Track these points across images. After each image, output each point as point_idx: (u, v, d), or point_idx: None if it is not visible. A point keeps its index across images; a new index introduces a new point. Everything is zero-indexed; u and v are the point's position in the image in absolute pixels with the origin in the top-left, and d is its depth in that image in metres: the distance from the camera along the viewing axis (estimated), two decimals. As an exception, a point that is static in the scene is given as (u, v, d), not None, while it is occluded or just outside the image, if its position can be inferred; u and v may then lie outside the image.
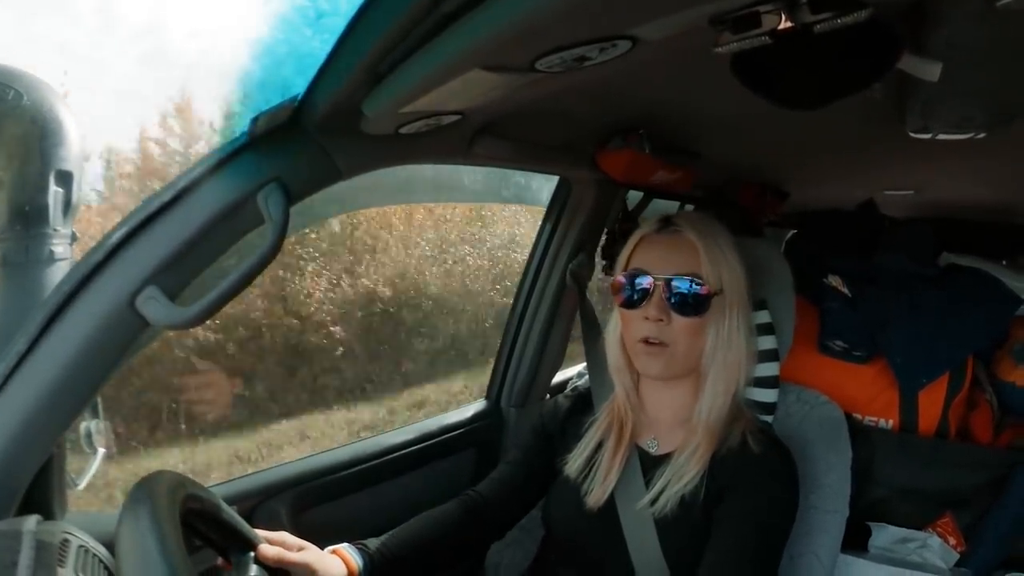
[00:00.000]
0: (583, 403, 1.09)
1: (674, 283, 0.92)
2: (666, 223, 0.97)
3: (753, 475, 0.91)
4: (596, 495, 0.96)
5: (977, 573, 1.23)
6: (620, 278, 0.97)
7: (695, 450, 0.94)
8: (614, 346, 1.01)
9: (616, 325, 1.01)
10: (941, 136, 1.00)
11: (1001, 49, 0.68)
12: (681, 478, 0.92)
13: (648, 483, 0.95)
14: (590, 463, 0.99)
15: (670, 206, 1.80)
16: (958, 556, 1.23)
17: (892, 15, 0.59)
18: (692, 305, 0.92)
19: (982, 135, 0.98)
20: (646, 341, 0.93)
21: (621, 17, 0.51)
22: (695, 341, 0.94)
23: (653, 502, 0.93)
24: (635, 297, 0.95)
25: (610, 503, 0.96)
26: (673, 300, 0.92)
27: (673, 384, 0.98)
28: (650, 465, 0.97)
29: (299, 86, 0.64)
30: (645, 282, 0.94)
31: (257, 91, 0.64)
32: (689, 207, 1.88)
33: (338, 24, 0.55)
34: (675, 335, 0.93)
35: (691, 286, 0.92)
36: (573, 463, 1.01)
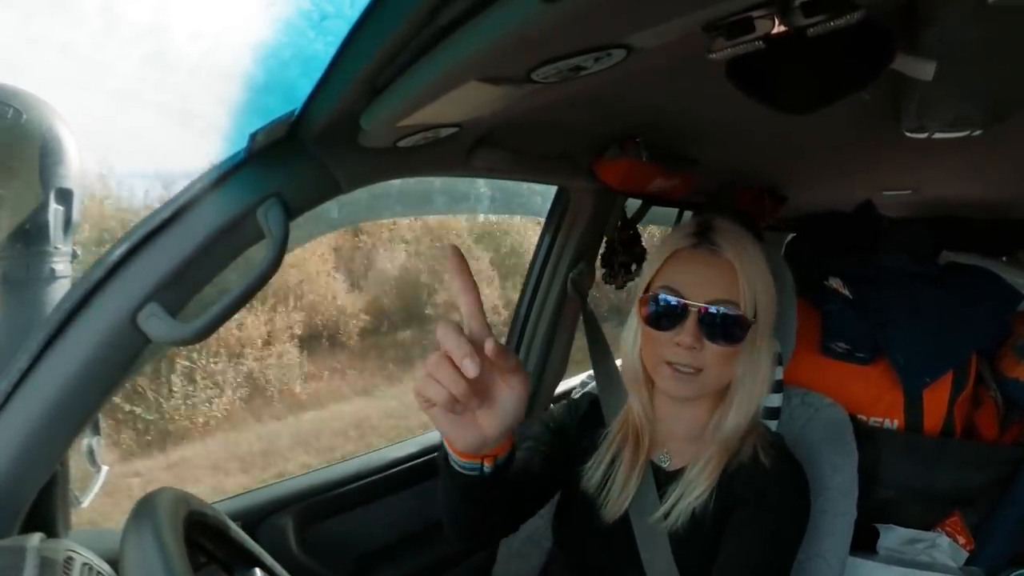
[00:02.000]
0: (597, 412, 1.05)
1: (710, 310, 0.87)
2: (702, 236, 0.91)
3: (764, 488, 0.89)
4: (611, 509, 0.94)
5: (986, 571, 1.22)
6: (649, 296, 0.91)
7: (706, 464, 0.92)
8: (632, 360, 0.96)
9: (636, 338, 0.95)
10: (937, 135, 1.00)
11: (995, 46, 0.69)
12: (692, 492, 0.91)
13: (661, 497, 0.94)
14: (606, 477, 0.97)
15: (668, 212, 1.80)
16: (967, 555, 1.23)
17: (885, 15, 0.59)
18: (727, 334, 0.88)
19: (978, 132, 0.98)
20: (675, 366, 0.89)
21: (615, 26, 0.52)
22: (726, 367, 0.90)
23: (666, 516, 0.91)
24: (665, 319, 0.89)
25: (624, 518, 0.94)
26: (708, 328, 0.87)
27: (693, 402, 0.95)
28: (663, 480, 0.96)
29: (303, 89, 0.64)
30: (678, 304, 0.88)
31: (262, 94, 0.64)
32: (688, 213, 1.87)
33: (341, 27, 0.55)
34: (707, 361, 0.88)
35: (728, 314, 0.87)
36: (590, 478, 0.97)
